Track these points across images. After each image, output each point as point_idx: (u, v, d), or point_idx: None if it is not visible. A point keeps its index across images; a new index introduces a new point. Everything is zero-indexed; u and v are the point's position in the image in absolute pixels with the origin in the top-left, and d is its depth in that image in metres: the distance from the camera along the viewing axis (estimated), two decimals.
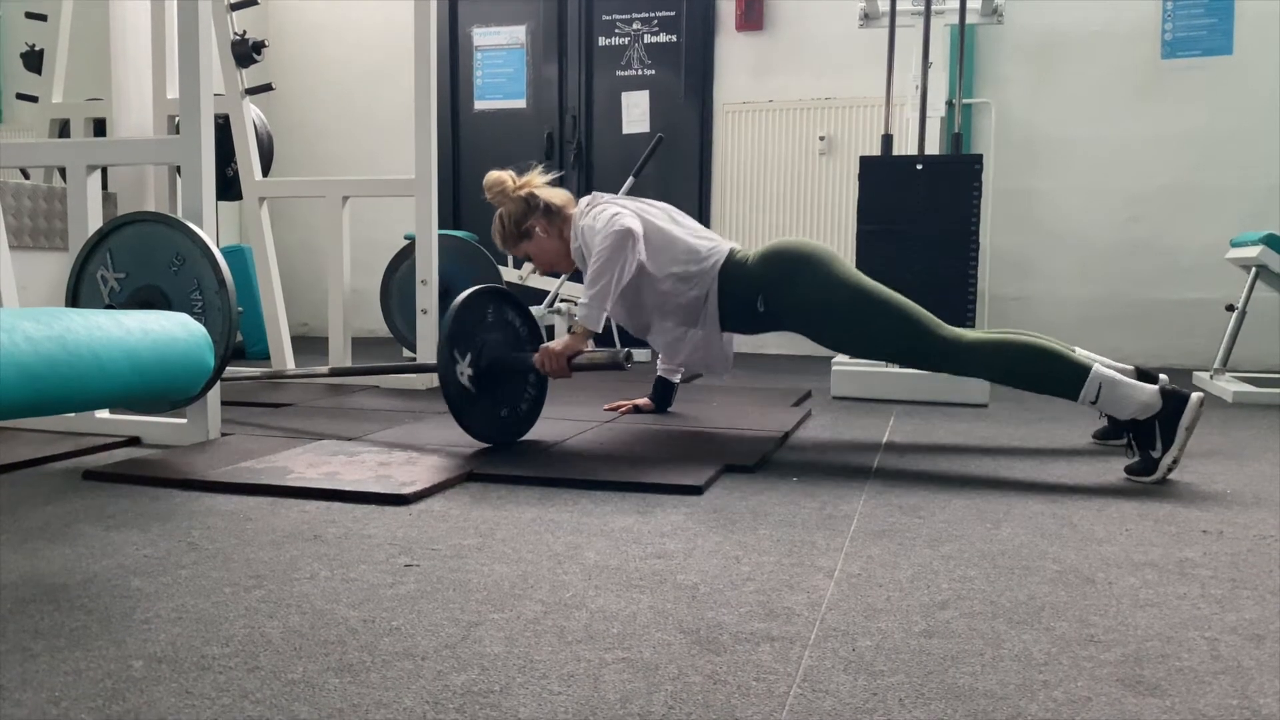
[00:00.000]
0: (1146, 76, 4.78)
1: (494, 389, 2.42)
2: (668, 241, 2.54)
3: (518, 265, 4.73)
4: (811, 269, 2.44)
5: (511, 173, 2.71)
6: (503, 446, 2.38)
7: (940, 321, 2.41)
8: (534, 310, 4.68)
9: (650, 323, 2.62)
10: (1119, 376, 2.24)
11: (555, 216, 2.68)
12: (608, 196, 2.65)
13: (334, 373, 2.95)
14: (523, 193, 2.67)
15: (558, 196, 2.70)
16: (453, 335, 2.29)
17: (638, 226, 2.46)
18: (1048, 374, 2.31)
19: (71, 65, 3.95)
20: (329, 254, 3.58)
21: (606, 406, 2.92)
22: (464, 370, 2.32)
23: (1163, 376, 2.25)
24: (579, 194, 2.82)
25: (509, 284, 4.17)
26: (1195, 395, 2.14)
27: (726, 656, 1.14)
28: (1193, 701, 1.03)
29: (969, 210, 3.35)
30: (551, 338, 4.80)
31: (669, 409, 2.96)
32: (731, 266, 2.53)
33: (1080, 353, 2.37)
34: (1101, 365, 2.28)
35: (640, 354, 4.33)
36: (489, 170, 2.73)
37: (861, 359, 2.61)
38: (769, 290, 2.48)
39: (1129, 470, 2.17)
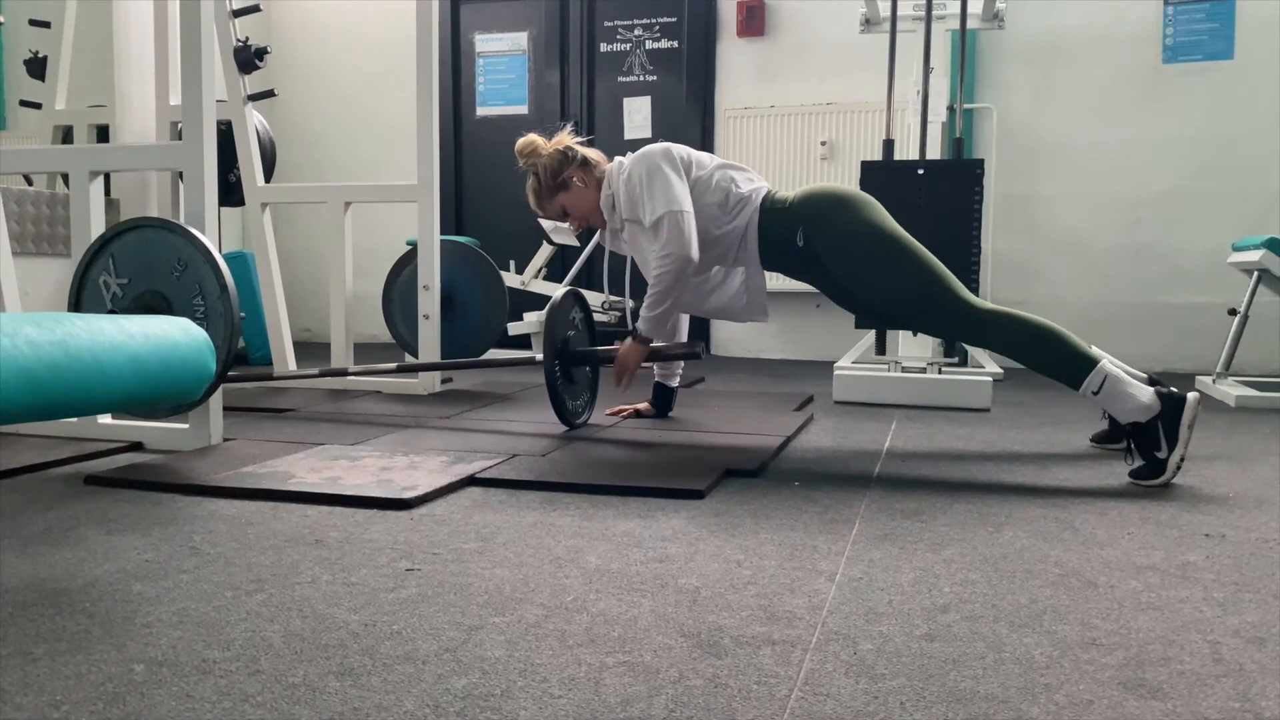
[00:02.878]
0: (1147, 81, 4.79)
1: (569, 381, 2.72)
2: (708, 177, 2.61)
3: (520, 271, 4.73)
4: (853, 209, 2.50)
5: (540, 134, 2.77)
6: (503, 450, 2.38)
7: (964, 287, 2.44)
8: (535, 316, 4.69)
9: (698, 280, 2.69)
10: (1124, 376, 2.24)
11: (591, 169, 2.73)
12: (660, 150, 2.63)
13: (324, 373, 2.96)
14: (559, 146, 2.72)
15: (593, 153, 2.76)
16: (553, 329, 2.62)
17: (690, 219, 2.52)
18: (1056, 356, 2.32)
19: (74, 72, 3.96)
20: (331, 259, 3.58)
21: (608, 412, 2.93)
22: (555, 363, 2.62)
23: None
24: None
25: (511, 290, 4.17)
26: (1192, 394, 2.15)
27: (727, 660, 1.13)
28: (1194, 704, 1.02)
29: (970, 214, 3.36)
30: None
31: (669, 413, 2.97)
32: (772, 203, 2.59)
33: (1094, 351, 2.37)
34: (1109, 362, 2.28)
35: None
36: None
37: (881, 308, 2.61)
38: (809, 224, 2.52)
39: (1135, 475, 2.16)
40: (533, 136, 2.75)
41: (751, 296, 2.67)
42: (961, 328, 2.43)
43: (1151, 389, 2.20)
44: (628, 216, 2.63)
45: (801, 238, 2.53)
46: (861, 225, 2.47)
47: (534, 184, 2.75)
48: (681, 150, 2.64)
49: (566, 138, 2.75)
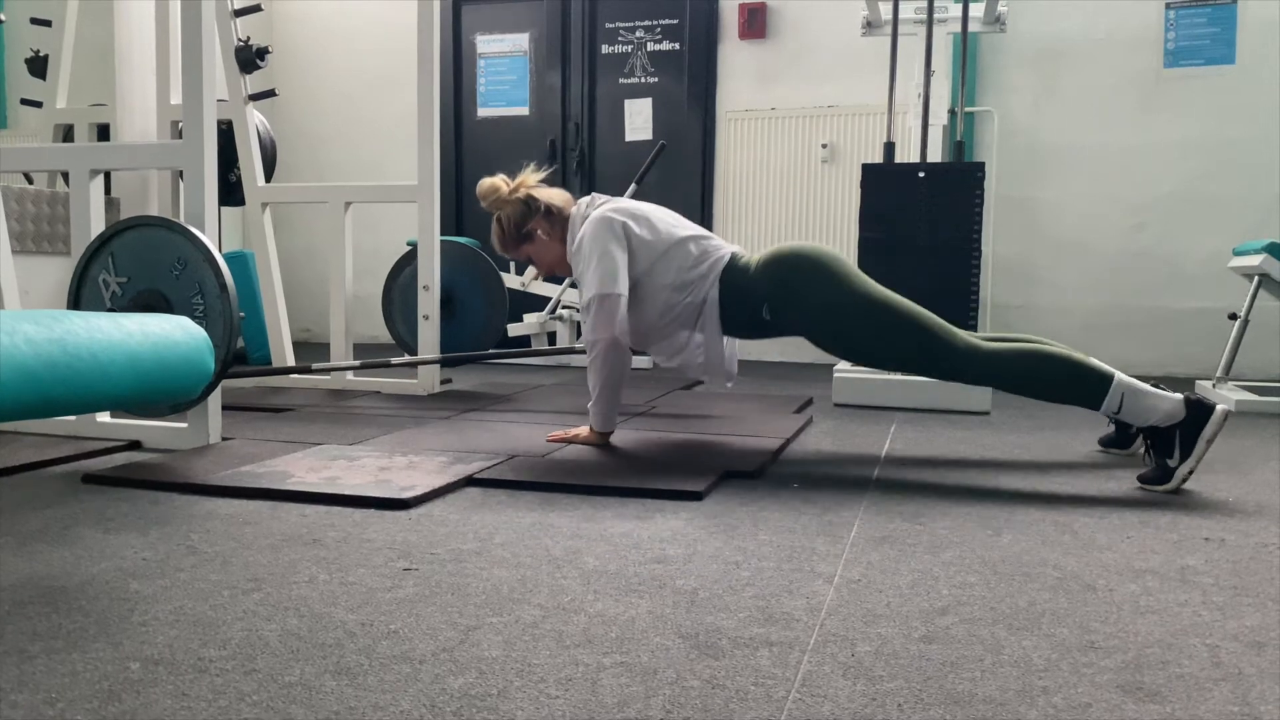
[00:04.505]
0: (1149, 85, 4.79)
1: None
2: (663, 250, 2.47)
3: (519, 271, 4.74)
4: (817, 278, 2.36)
5: (504, 177, 2.65)
6: (502, 451, 2.37)
7: (953, 328, 2.33)
8: (535, 317, 4.69)
9: (649, 334, 2.55)
10: (1141, 385, 2.19)
11: (556, 218, 2.61)
12: (604, 201, 2.58)
13: (314, 369, 2.96)
14: (520, 194, 2.61)
15: (557, 197, 2.64)
16: None
17: (621, 302, 2.38)
18: (1069, 383, 2.24)
19: (75, 71, 3.96)
20: (331, 259, 3.58)
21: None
22: None
23: (1162, 387, 2.24)
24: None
25: (511, 291, 4.17)
26: (1221, 407, 2.08)
27: (725, 661, 1.13)
28: (1193, 708, 1.02)
29: (971, 218, 3.35)
30: (554, 343, 4.80)
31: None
32: (733, 273, 2.46)
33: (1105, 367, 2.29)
34: (1121, 375, 2.22)
35: (641, 360, 4.33)
36: (492, 176, 2.70)
37: (873, 368, 2.54)
38: (774, 301, 2.41)
39: (1142, 479, 2.14)
40: (495, 180, 2.63)
41: (711, 362, 2.54)
42: (960, 372, 2.33)
43: (1179, 396, 2.14)
44: (578, 274, 2.50)
45: (767, 312, 2.42)
46: (827, 301, 2.35)
47: (498, 230, 2.66)
48: (627, 218, 2.48)
49: (530, 178, 2.63)
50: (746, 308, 2.46)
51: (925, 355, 2.31)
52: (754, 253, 2.54)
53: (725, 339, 2.54)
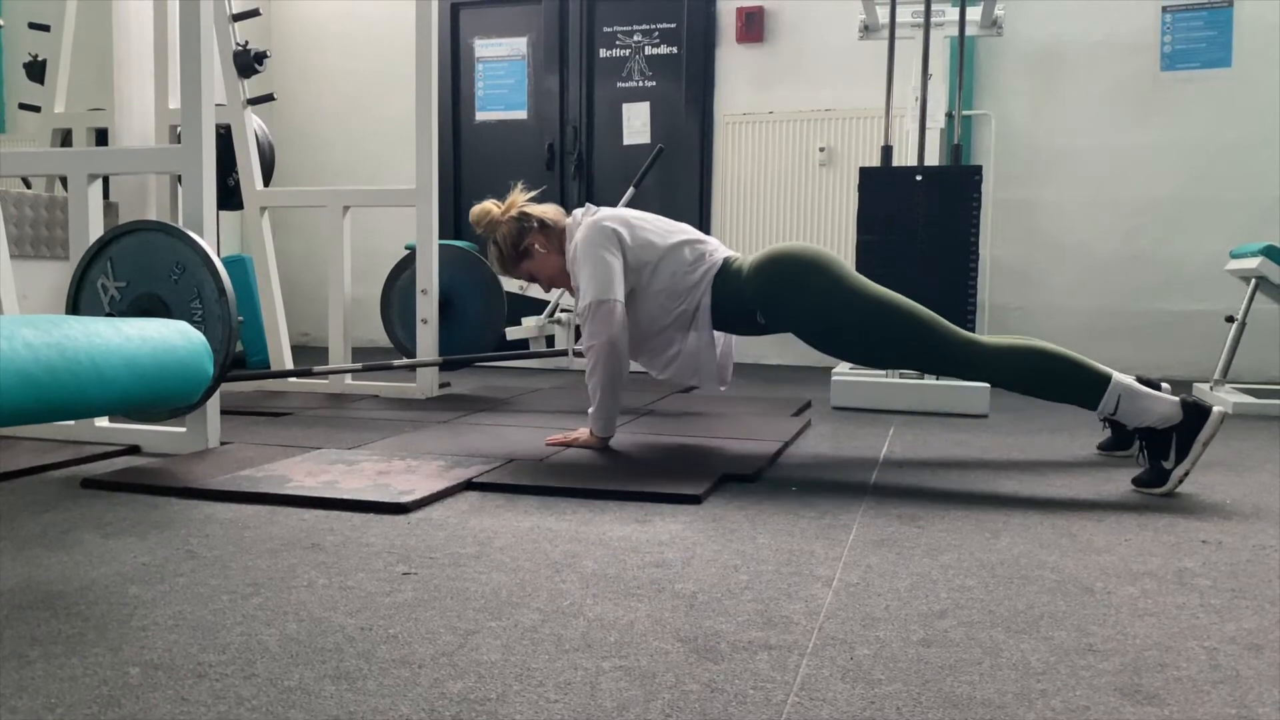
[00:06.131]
0: (1146, 88, 4.79)
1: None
2: (658, 256, 2.50)
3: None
4: (809, 280, 2.36)
5: (493, 200, 2.68)
6: (500, 455, 2.37)
7: (953, 326, 2.34)
8: (533, 321, 4.69)
9: (643, 342, 2.56)
10: (1139, 387, 2.19)
11: (551, 230, 2.64)
12: (600, 212, 2.59)
13: (315, 372, 2.96)
14: (513, 213, 2.64)
15: (550, 211, 2.67)
16: None
17: (618, 307, 2.40)
18: (1067, 382, 2.25)
19: (74, 75, 3.96)
20: (330, 263, 3.58)
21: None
22: None
23: (1165, 385, 2.24)
24: (580, 205, 2.81)
25: (510, 295, 4.17)
26: (1217, 409, 2.09)
27: (724, 665, 1.13)
28: (1191, 711, 1.02)
29: (969, 221, 3.36)
30: (552, 347, 4.80)
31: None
32: (726, 278, 2.48)
33: (1103, 368, 2.29)
34: (1119, 376, 2.23)
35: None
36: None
37: (873, 368, 2.55)
38: (766, 304, 2.42)
39: (1137, 482, 2.15)
40: (486, 205, 2.66)
41: (703, 367, 2.55)
42: (959, 368, 2.35)
43: (1176, 398, 2.14)
44: (575, 283, 2.54)
45: (761, 316, 2.44)
46: (822, 305, 2.35)
47: (495, 252, 2.68)
48: (621, 225, 2.51)
49: (520, 198, 2.66)
50: (741, 311, 2.48)
51: (924, 349, 2.32)
52: (748, 255, 2.55)
53: (721, 341, 2.56)
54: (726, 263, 2.52)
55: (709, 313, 2.49)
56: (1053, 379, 2.28)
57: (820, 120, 5.12)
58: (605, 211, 2.59)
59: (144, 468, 2.21)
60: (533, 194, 2.70)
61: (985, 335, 2.41)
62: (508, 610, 1.31)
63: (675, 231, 2.58)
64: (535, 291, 4.68)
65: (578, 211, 2.65)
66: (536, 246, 2.64)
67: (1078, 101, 4.88)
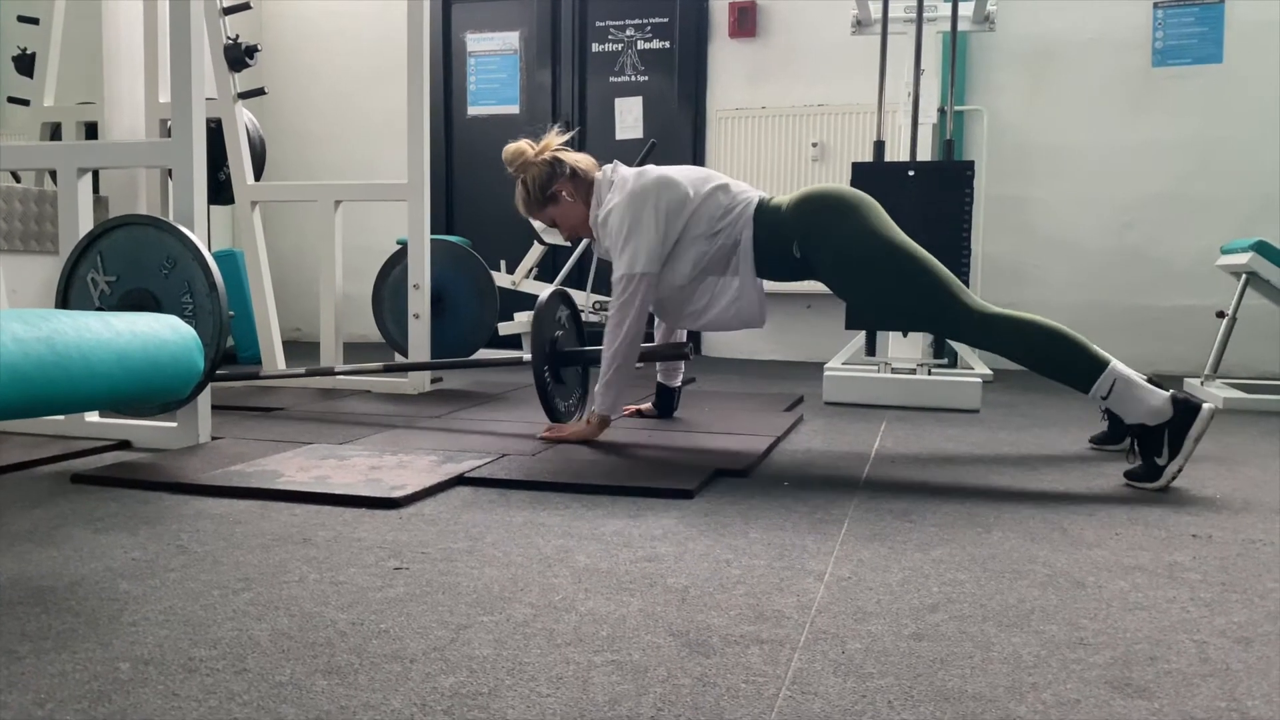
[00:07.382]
0: (1138, 84, 4.81)
1: (558, 382, 2.74)
2: (695, 207, 2.51)
3: (511, 271, 4.73)
4: (848, 218, 2.41)
5: (528, 140, 2.68)
6: (492, 450, 2.37)
7: (967, 289, 2.39)
8: (526, 316, 4.68)
9: (679, 294, 2.55)
10: (1135, 377, 2.20)
11: (581, 180, 2.64)
12: (641, 172, 2.58)
13: (310, 372, 2.95)
14: (546, 156, 2.64)
15: (582, 161, 2.67)
16: (541, 330, 2.64)
17: (649, 280, 2.48)
18: (1066, 360, 2.26)
19: (63, 69, 3.94)
20: (321, 258, 3.57)
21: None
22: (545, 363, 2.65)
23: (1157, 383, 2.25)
24: None
25: (502, 289, 4.16)
26: (1207, 406, 2.10)
27: (716, 659, 1.13)
28: (1181, 704, 1.03)
29: (960, 216, 3.36)
30: None
31: (673, 414, 2.96)
32: (764, 214, 2.51)
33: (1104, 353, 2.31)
34: (1118, 363, 2.23)
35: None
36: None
37: (884, 318, 2.57)
38: (803, 238, 2.45)
39: (1130, 476, 2.16)
40: (521, 144, 2.66)
41: (745, 307, 2.56)
42: (967, 332, 2.38)
43: (1167, 393, 2.15)
44: (609, 247, 2.57)
45: (798, 250, 2.47)
46: (857, 237, 2.39)
47: (522, 193, 2.68)
48: (674, 191, 2.51)
49: (554, 140, 2.66)
50: (777, 246, 2.50)
51: (936, 306, 2.36)
52: (784, 195, 2.57)
53: (756, 282, 2.57)
54: (763, 201, 2.55)
55: (751, 247, 2.51)
56: (1052, 355, 2.29)
57: (813, 115, 5.12)
58: (637, 172, 2.58)
59: (134, 463, 2.21)
60: (567, 137, 2.70)
61: (995, 305, 2.42)
62: (500, 605, 1.31)
63: (710, 179, 2.60)
64: (528, 286, 4.67)
65: (607, 167, 2.66)
66: (564, 194, 2.64)
67: (1070, 97, 4.89)
